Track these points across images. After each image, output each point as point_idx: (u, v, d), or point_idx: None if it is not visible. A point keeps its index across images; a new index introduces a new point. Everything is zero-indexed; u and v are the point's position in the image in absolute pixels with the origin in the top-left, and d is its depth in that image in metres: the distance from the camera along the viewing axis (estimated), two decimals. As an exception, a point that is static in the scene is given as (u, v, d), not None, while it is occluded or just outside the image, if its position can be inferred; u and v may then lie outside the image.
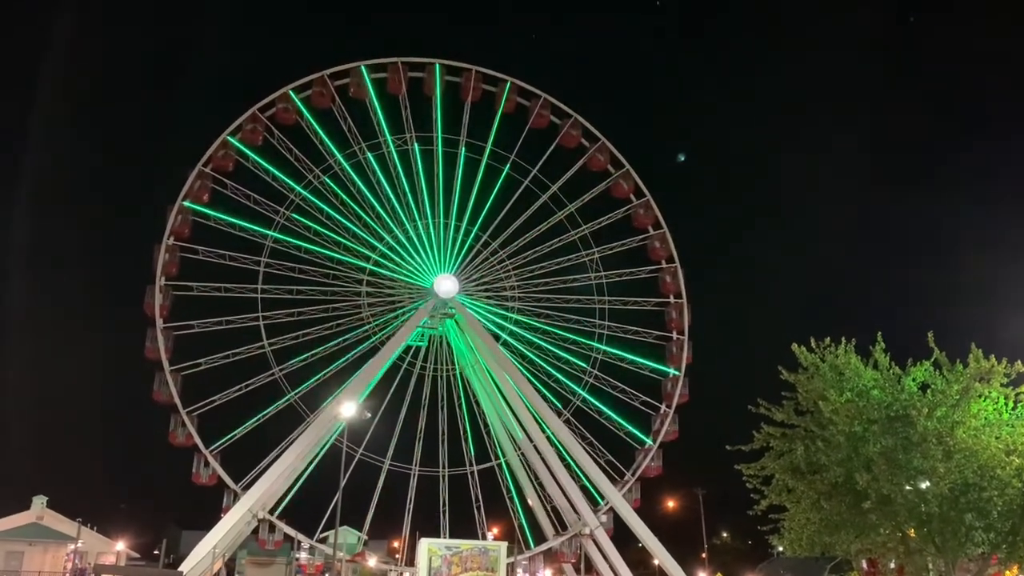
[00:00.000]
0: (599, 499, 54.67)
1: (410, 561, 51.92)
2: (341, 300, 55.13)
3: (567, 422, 56.63)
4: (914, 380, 25.68)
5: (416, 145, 57.66)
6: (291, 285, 53.71)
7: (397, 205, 57.24)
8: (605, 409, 57.77)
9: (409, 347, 57.11)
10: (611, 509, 53.74)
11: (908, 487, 24.46)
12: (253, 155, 54.77)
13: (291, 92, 55.30)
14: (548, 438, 53.18)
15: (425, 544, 40.69)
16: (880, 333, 26.44)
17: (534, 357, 58.27)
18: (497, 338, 57.86)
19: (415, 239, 57.64)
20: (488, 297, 59.22)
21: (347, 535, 57.55)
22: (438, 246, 57.91)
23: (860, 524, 25.36)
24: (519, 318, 59.25)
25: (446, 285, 56.21)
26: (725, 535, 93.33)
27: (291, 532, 48.72)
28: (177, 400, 47.99)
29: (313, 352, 52.90)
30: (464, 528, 55.35)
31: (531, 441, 53.74)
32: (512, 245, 58.75)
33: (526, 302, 59.45)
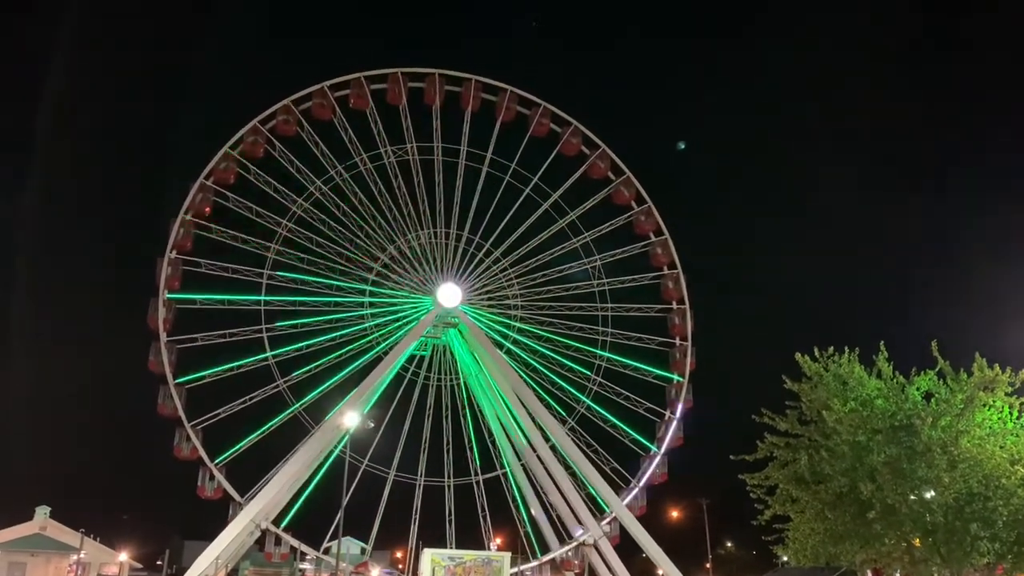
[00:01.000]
0: (605, 507, 54.59)
1: (415, 571, 51.85)
2: (344, 311, 55.23)
3: (572, 430, 56.64)
4: (918, 389, 25.62)
5: (416, 155, 57.82)
6: (294, 297, 53.81)
7: (399, 215, 57.39)
8: (610, 416, 57.79)
9: (413, 357, 57.19)
10: (615, 519, 53.62)
11: (913, 497, 24.37)
12: (255, 168, 55.00)
13: (291, 104, 55.51)
14: (552, 447, 53.12)
15: (428, 554, 40.62)
16: (883, 342, 26.40)
17: (538, 365, 58.33)
18: (500, 346, 57.89)
19: (417, 249, 57.74)
20: (491, 306, 59.25)
21: (351, 546, 57.50)
22: (440, 256, 57.99)
23: (865, 534, 25.26)
24: (522, 326, 59.28)
25: (449, 295, 56.29)
26: (729, 545, 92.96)
27: (294, 543, 48.70)
28: (182, 414, 48.04)
29: (317, 363, 53.03)
30: (468, 537, 55.34)
31: (534, 451, 53.68)
32: (514, 254, 58.89)
33: (529, 310, 59.49)
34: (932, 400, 25.28)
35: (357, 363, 53.97)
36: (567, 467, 53.07)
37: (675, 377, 59.44)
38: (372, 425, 50.99)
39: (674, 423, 58.19)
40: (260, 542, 52.29)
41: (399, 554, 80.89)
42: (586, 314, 59.79)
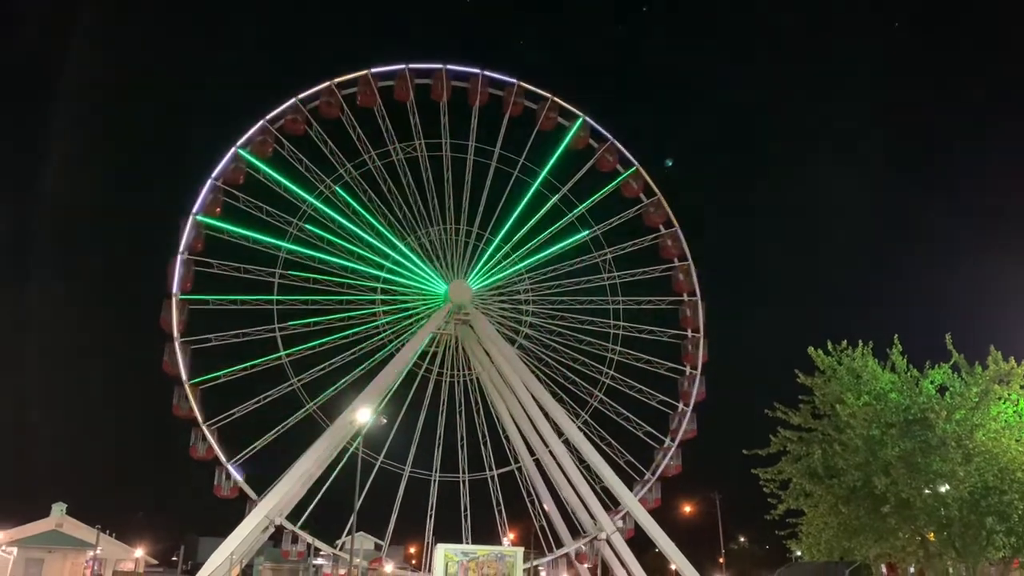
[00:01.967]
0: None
1: (430, 567, 52.17)
2: (356, 309, 55.41)
3: (585, 424, 56.68)
4: (932, 383, 25.45)
5: (425, 152, 57.77)
6: (306, 296, 54.01)
7: (409, 212, 57.45)
8: (623, 410, 57.78)
9: (425, 353, 57.33)
10: (627, 514, 53.69)
11: (927, 491, 24.25)
12: (264, 167, 55.12)
13: (299, 102, 55.56)
14: (564, 442, 53.20)
15: (441, 550, 40.68)
16: (897, 336, 26.22)
17: (550, 359, 58.35)
18: (512, 342, 57.96)
19: (427, 245, 57.82)
20: (502, 301, 59.29)
21: (364, 541, 57.88)
22: (450, 252, 58.03)
23: (879, 528, 25.18)
24: (533, 321, 59.29)
25: (460, 291, 56.38)
26: (743, 539, 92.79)
27: (309, 539, 49.03)
28: (197, 414, 48.39)
29: (330, 361, 53.23)
30: (484, 532, 55.65)
31: (547, 446, 53.78)
32: (524, 248, 58.83)
33: (540, 305, 59.47)
34: (947, 394, 25.11)
35: (370, 361, 54.19)
36: (579, 462, 53.15)
37: (687, 369, 59.36)
38: (385, 421, 51.28)
39: (687, 415, 58.11)
40: (275, 538, 52.76)
41: (412, 549, 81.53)
42: (597, 308, 59.77)
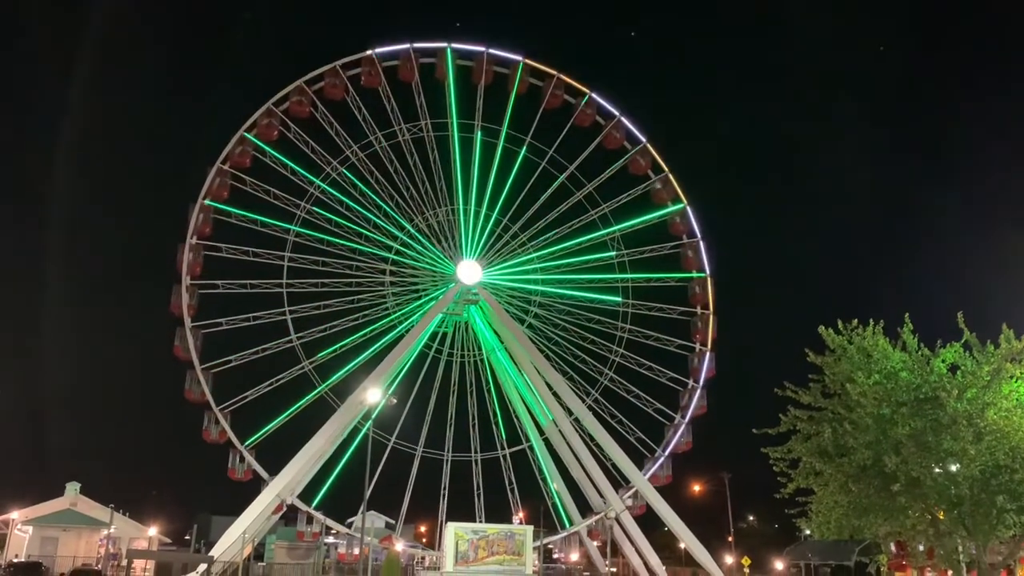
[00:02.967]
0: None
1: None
2: (366, 290, 55.54)
3: (595, 402, 56.92)
4: (943, 362, 25.24)
5: (431, 132, 57.41)
6: (316, 279, 54.15)
7: (416, 193, 57.24)
8: (633, 387, 57.92)
9: (435, 334, 57.49)
10: (636, 492, 54.04)
11: (938, 469, 24.21)
12: (271, 150, 54.94)
13: (304, 84, 55.18)
14: (574, 422, 53.43)
15: (452, 528, 41.06)
16: (908, 314, 26.00)
17: (559, 339, 58.43)
18: (522, 321, 58.01)
19: (435, 226, 57.66)
20: (511, 281, 59.22)
21: (374, 520, 58.51)
22: (459, 232, 57.86)
23: (889, 507, 25.18)
24: (543, 300, 59.26)
25: (469, 271, 56.34)
26: (752, 518, 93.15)
27: (320, 518, 49.53)
28: (210, 398, 48.78)
29: (341, 344, 53.50)
30: (496, 511, 56.08)
31: (556, 426, 54.04)
32: (532, 228, 58.62)
33: (549, 284, 59.42)
34: (958, 372, 24.92)
35: (381, 342, 54.39)
36: (590, 439, 53.42)
37: (697, 346, 59.32)
38: (395, 401, 51.65)
39: (697, 391, 58.24)
40: (286, 518, 53.43)
41: (423, 528, 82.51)
42: (606, 286, 59.66)
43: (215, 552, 45.36)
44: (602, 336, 58.62)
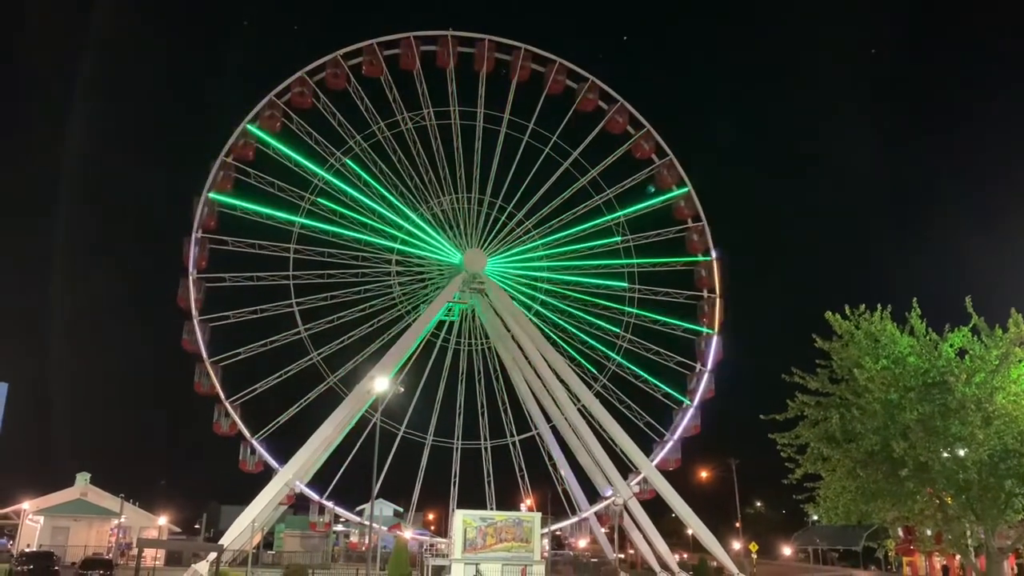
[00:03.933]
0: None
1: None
2: (372, 280, 55.65)
3: (604, 387, 57.05)
4: (952, 346, 25.02)
5: (434, 120, 57.17)
6: (322, 270, 54.30)
7: (420, 182, 57.12)
8: (641, 372, 58.00)
9: (442, 323, 57.62)
10: (644, 478, 54.22)
11: (946, 454, 24.07)
12: (274, 142, 54.84)
13: (305, 75, 54.95)
14: (580, 410, 53.58)
15: (460, 515, 41.30)
16: (916, 299, 25.80)
17: (566, 325, 58.48)
18: (528, 308, 58.07)
19: (440, 215, 57.61)
20: (517, 268, 59.20)
21: (383, 508, 59.02)
22: (464, 221, 57.81)
23: (897, 492, 25.08)
24: (549, 287, 59.25)
25: (475, 260, 56.34)
26: (759, 504, 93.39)
27: (329, 505, 49.88)
28: (219, 391, 49.17)
29: (349, 334, 53.74)
30: (506, 498, 56.55)
31: (562, 413, 54.21)
32: (537, 215, 58.53)
33: (555, 271, 59.36)
34: (966, 357, 24.73)
35: (388, 333, 54.65)
36: (596, 429, 53.56)
37: (704, 330, 59.27)
38: (403, 390, 51.87)
39: (705, 375, 58.32)
40: (295, 507, 53.89)
41: (431, 516, 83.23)
42: (612, 271, 59.56)
43: (225, 541, 45.89)
44: (609, 322, 58.76)
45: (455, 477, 55.75)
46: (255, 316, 52.46)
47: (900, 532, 30.58)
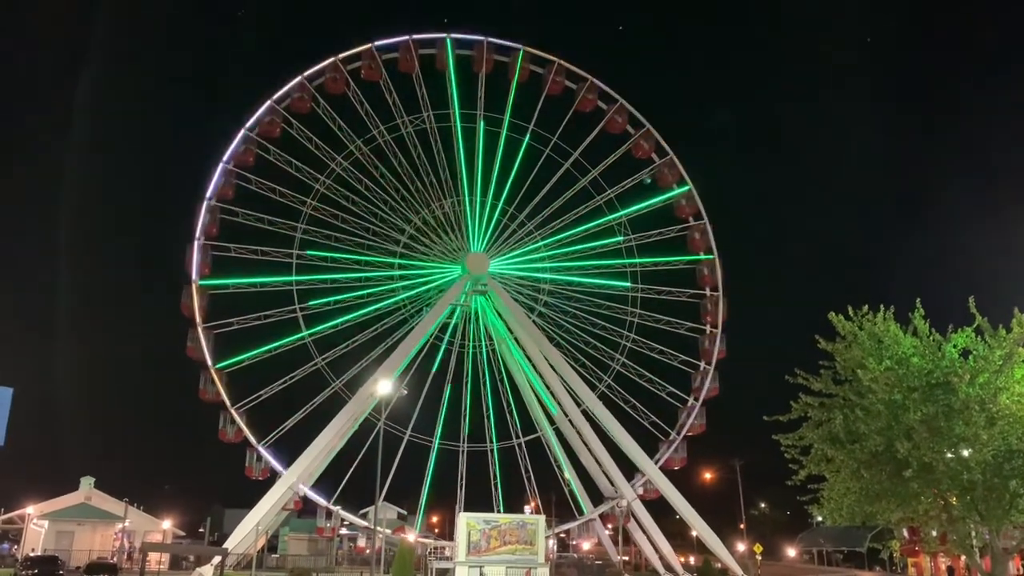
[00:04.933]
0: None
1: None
2: (375, 285, 55.74)
3: (608, 388, 57.06)
4: (955, 346, 24.98)
5: (434, 123, 57.17)
6: (325, 275, 54.35)
7: (421, 185, 57.14)
8: (645, 372, 58.01)
9: (446, 326, 57.69)
10: (647, 480, 54.23)
11: (950, 455, 24.03)
12: (274, 148, 54.89)
13: (304, 80, 54.99)
14: (584, 412, 53.60)
15: (464, 518, 41.30)
16: (919, 299, 25.76)
17: (570, 326, 58.49)
18: (531, 310, 58.10)
19: (442, 218, 57.66)
20: (519, 270, 59.22)
21: (386, 511, 59.07)
22: (466, 223, 57.82)
23: (901, 493, 25.05)
24: (552, 288, 59.26)
25: (477, 262, 56.34)
26: (763, 506, 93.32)
27: (342, 514, 50.02)
28: (225, 398, 49.26)
29: (353, 339, 53.88)
30: (510, 498, 56.47)
31: (566, 415, 54.24)
32: (539, 216, 58.54)
33: (558, 272, 59.37)
34: (970, 357, 24.70)
35: (392, 337, 54.72)
36: (599, 431, 53.58)
37: (707, 328, 59.25)
38: (406, 392, 51.90)
39: (710, 373, 58.28)
40: (300, 511, 53.97)
41: (435, 519, 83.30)
42: (615, 271, 59.57)
43: (229, 544, 46.10)
44: (612, 322, 58.80)
45: (462, 479, 55.88)
46: (259, 322, 52.58)
47: (905, 533, 30.48)
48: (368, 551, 51.09)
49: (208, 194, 52.67)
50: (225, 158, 53.47)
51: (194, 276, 50.88)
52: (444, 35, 56.57)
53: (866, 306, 26.79)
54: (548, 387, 54.43)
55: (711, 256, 59.63)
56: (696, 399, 57.82)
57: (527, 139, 58.00)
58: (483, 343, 58.94)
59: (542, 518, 43.42)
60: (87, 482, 66.28)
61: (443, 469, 56.10)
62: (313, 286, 54.09)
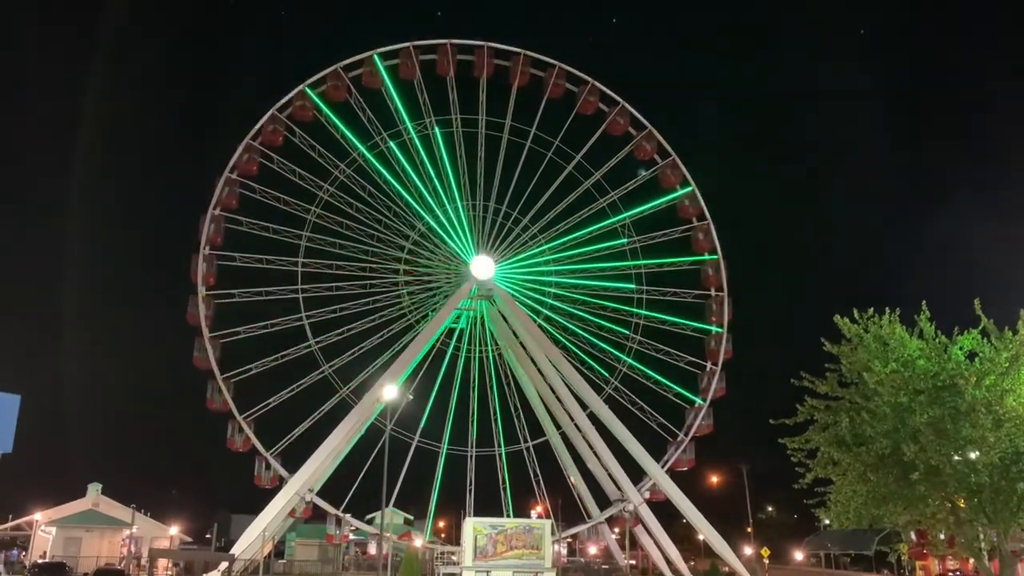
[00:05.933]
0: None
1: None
2: (381, 291, 55.84)
3: (615, 390, 57.05)
4: (961, 349, 24.92)
5: (436, 129, 57.29)
6: (330, 283, 54.47)
7: (425, 191, 57.24)
8: (652, 373, 57.95)
9: (452, 330, 57.79)
10: (654, 484, 54.15)
11: (957, 457, 23.98)
12: (278, 156, 55.06)
13: (306, 88, 55.15)
14: (590, 415, 53.58)
15: (470, 523, 41.38)
16: (925, 302, 25.70)
17: (576, 329, 58.53)
18: (537, 313, 58.15)
19: (445, 223, 57.73)
20: (524, 274, 59.27)
21: (393, 516, 59.19)
22: (470, 228, 57.92)
23: (908, 496, 25.01)
24: (557, 291, 59.30)
25: (482, 267, 56.43)
26: (770, 509, 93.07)
27: (338, 513, 49.96)
28: (232, 407, 49.40)
29: (360, 346, 53.91)
30: (517, 502, 56.48)
31: (572, 420, 54.24)
32: (543, 219, 58.58)
33: (562, 275, 59.42)
34: (976, 359, 24.62)
35: (399, 343, 54.73)
36: (606, 434, 53.56)
37: (713, 328, 59.17)
38: (411, 397, 52.04)
39: (716, 373, 58.20)
40: (307, 517, 54.11)
41: (441, 524, 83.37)
42: (620, 273, 59.56)
43: (236, 550, 46.18)
44: (618, 324, 58.78)
45: (470, 484, 55.93)
46: (265, 331, 52.74)
47: (913, 536, 30.39)
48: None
49: (212, 204, 52.85)
50: (228, 168, 53.63)
51: (199, 286, 51.05)
52: (444, 41, 56.66)
53: (871, 308, 26.78)
54: (554, 391, 54.43)
55: (715, 256, 59.57)
56: (703, 400, 57.76)
57: (529, 143, 58.10)
58: (490, 347, 59.03)
59: (548, 522, 43.46)
60: (94, 488, 66.56)
61: (451, 474, 56.28)
62: (318, 293, 54.23)
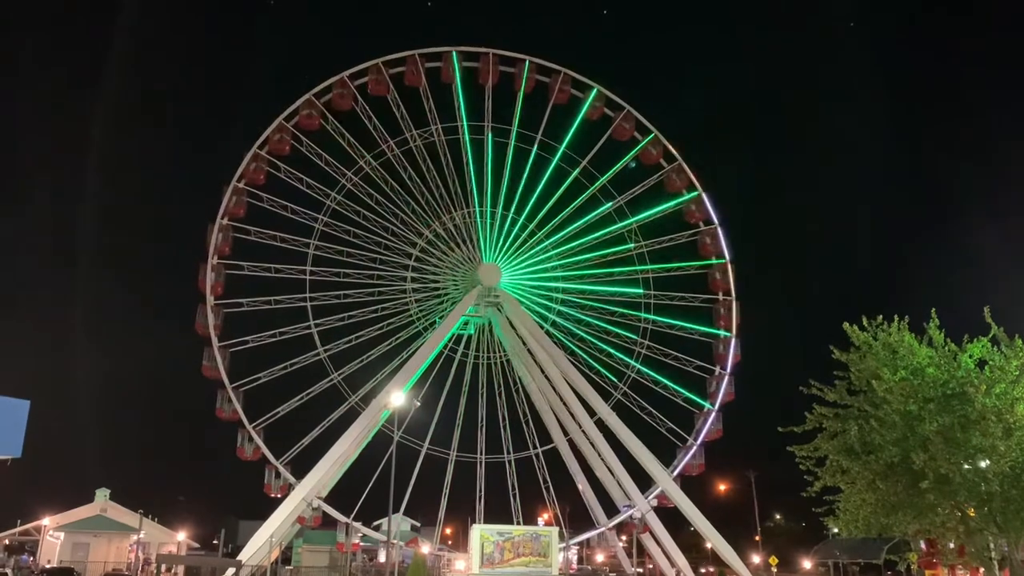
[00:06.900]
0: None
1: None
2: (389, 299, 56.03)
3: (624, 395, 56.94)
4: (971, 357, 24.79)
5: (443, 136, 57.40)
6: (338, 291, 54.68)
7: (432, 198, 57.41)
8: (660, 378, 57.83)
9: (460, 337, 57.87)
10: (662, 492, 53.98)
11: (967, 466, 23.82)
12: (285, 165, 55.33)
13: (312, 97, 55.40)
14: (598, 422, 53.48)
15: (478, 530, 41.37)
16: (934, 310, 25.59)
17: (584, 335, 58.48)
18: (545, 319, 58.16)
19: (453, 230, 57.88)
20: (531, 280, 59.31)
21: (400, 523, 59.21)
22: (477, 235, 58.02)
23: (918, 504, 24.88)
24: (565, 297, 59.30)
25: (489, 273, 56.49)
26: (779, 517, 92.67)
27: (344, 519, 49.99)
28: (242, 416, 49.58)
29: (368, 353, 54.12)
30: (527, 509, 56.39)
31: (580, 427, 54.17)
32: (549, 225, 58.63)
33: (570, 280, 59.40)
34: (986, 367, 24.49)
35: (407, 351, 54.81)
36: (614, 441, 53.46)
37: (721, 332, 59.02)
38: (419, 404, 52.09)
39: (725, 378, 58.05)
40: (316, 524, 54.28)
41: (448, 531, 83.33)
42: (627, 278, 59.55)
43: (243, 556, 46.36)
44: (626, 329, 58.71)
45: (480, 491, 55.94)
46: (274, 340, 52.98)
47: (922, 545, 30.20)
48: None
49: (220, 213, 53.14)
50: (236, 177, 53.96)
51: (208, 295, 51.33)
52: (450, 48, 56.81)
53: (880, 316, 26.68)
54: (561, 398, 54.40)
55: (723, 260, 59.44)
56: (712, 404, 57.61)
57: (535, 149, 58.23)
58: (498, 354, 59.08)
59: (555, 529, 43.45)
60: (103, 494, 66.90)
61: (461, 481, 56.27)
62: (326, 302, 54.44)
